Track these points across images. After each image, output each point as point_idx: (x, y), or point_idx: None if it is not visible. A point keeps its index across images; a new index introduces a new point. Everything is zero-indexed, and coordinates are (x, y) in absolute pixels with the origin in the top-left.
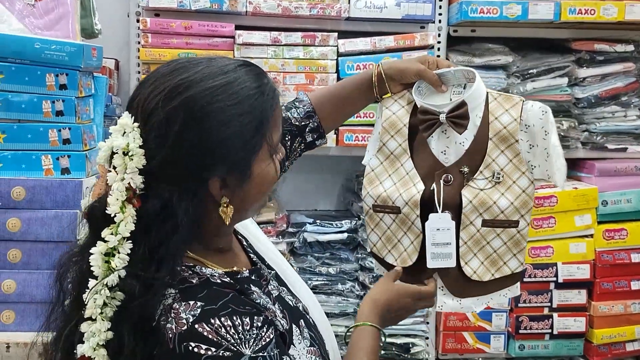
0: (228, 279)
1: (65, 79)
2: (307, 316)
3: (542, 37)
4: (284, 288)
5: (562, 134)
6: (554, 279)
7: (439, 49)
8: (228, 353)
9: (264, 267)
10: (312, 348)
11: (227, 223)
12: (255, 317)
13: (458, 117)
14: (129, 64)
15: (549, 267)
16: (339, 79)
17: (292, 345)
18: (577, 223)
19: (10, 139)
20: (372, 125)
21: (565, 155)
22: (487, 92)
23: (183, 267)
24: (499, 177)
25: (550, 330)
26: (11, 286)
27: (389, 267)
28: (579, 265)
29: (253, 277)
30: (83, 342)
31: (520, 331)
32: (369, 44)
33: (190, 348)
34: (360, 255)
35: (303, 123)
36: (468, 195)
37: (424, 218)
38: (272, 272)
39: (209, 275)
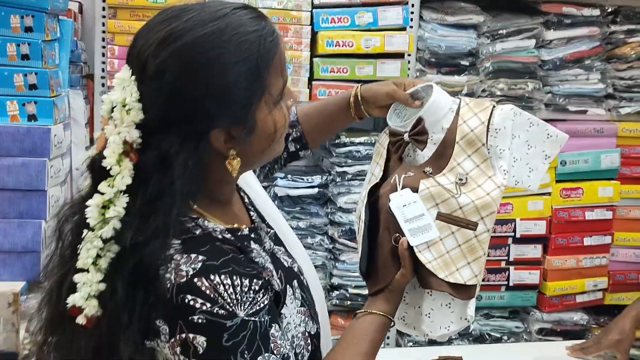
0: (229, 235)
1: (31, 20)
2: (301, 277)
3: None
4: (281, 248)
5: (526, 95)
6: (512, 234)
7: (412, 5)
8: (222, 311)
9: (263, 225)
10: (302, 308)
11: (234, 175)
12: (255, 280)
13: (417, 134)
14: (94, 8)
15: (508, 222)
16: (312, 31)
17: (284, 305)
18: None
19: None
20: (346, 80)
21: None
22: (460, 99)
23: (186, 219)
24: (462, 180)
25: (506, 282)
26: None
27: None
28: (536, 222)
29: (252, 235)
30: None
31: None
32: None
33: (187, 300)
34: (329, 210)
35: None
36: (426, 183)
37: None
38: (272, 231)
39: (211, 230)
